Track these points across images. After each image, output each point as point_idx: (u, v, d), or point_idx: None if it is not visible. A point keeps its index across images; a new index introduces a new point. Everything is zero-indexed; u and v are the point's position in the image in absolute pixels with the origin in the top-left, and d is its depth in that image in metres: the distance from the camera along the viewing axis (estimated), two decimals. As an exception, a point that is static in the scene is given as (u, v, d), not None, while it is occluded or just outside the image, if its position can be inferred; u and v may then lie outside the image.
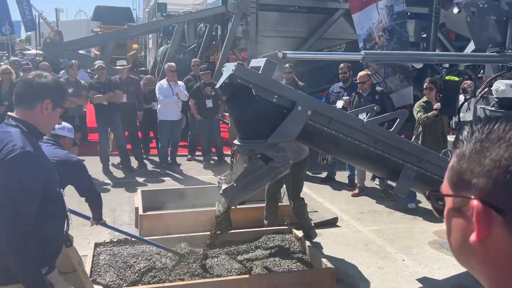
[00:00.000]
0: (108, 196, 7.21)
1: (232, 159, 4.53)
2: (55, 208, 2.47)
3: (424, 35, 12.50)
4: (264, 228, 5.29)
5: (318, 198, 7.28)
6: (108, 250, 4.60)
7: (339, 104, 7.79)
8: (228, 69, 4.09)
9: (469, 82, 7.66)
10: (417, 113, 6.63)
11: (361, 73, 7.20)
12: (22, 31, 39.50)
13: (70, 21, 59.53)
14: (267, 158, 4.17)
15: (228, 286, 4.00)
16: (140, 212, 5.67)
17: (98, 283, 4.02)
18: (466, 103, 5.87)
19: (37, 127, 2.38)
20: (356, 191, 7.41)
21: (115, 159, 8.99)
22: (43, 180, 2.30)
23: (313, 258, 4.62)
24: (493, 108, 5.14)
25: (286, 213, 5.49)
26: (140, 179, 8.19)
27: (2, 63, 10.25)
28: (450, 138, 6.80)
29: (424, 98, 6.79)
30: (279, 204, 5.86)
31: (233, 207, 4.45)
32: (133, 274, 4.08)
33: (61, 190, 2.60)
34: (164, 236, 4.93)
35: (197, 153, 9.60)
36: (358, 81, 7.14)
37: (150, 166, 9.12)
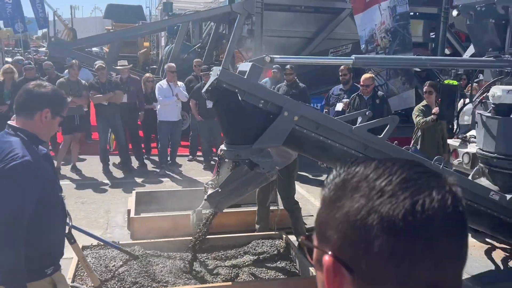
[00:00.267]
0: (105, 196, 7.22)
1: (218, 164, 4.49)
2: (56, 212, 2.57)
3: (433, 36, 12.35)
4: (253, 233, 5.23)
5: (315, 201, 7.20)
6: (94, 253, 4.58)
7: (339, 106, 7.71)
8: (215, 73, 4.04)
9: (475, 85, 7.53)
10: (416, 117, 6.52)
11: (365, 76, 7.08)
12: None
13: (85, 18, 60.01)
14: (253, 163, 4.13)
15: (210, 293, 3.95)
16: (132, 214, 5.65)
17: (78, 289, 4.01)
18: (465, 108, 5.75)
19: (37, 135, 2.47)
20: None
21: (116, 159, 9.00)
22: (41, 188, 2.38)
23: (301, 265, 4.55)
24: (489, 114, 5.01)
25: (273, 218, 5.44)
26: (139, 180, 8.19)
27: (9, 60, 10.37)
28: (454, 142, 6.68)
29: (424, 102, 6.67)
30: (272, 208, 5.79)
31: (219, 212, 4.39)
32: (113, 278, 4.05)
33: (61, 194, 2.69)
34: (152, 240, 4.90)
35: (198, 153, 9.58)
36: (361, 83, 7.03)
37: (150, 166, 9.12)
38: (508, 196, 4.73)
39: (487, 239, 5.74)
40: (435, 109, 6.17)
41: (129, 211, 5.82)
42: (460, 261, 0.71)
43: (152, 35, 20.82)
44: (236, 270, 4.50)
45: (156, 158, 9.26)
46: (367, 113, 4.74)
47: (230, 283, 4.11)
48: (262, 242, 5.02)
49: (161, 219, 5.67)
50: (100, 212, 6.42)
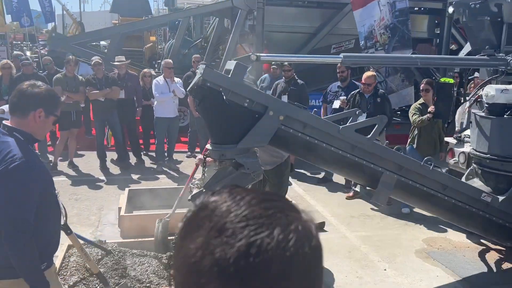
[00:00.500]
0: (99, 193, 7.21)
1: (204, 164, 4.44)
2: (51, 209, 2.62)
3: (438, 31, 12.17)
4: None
5: (311, 200, 7.14)
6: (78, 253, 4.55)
7: (336, 104, 7.61)
8: (200, 71, 3.99)
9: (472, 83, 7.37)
10: (412, 116, 6.42)
11: (367, 74, 6.94)
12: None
13: (95, 12, 60.02)
14: (238, 164, 4.08)
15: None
16: (122, 212, 5.63)
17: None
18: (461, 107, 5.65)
19: (32, 134, 2.51)
20: (351, 193, 7.21)
21: (115, 155, 8.98)
22: (40, 187, 2.46)
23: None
24: (483, 114, 4.91)
25: None
26: (135, 176, 8.17)
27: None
28: (452, 141, 6.58)
29: (421, 100, 6.57)
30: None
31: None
32: (96, 279, 4.02)
33: (56, 192, 2.73)
34: (139, 239, 4.88)
35: (197, 149, 9.53)
36: (363, 81, 6.91)
37: (148, 163, 9.10)
38: (501, 198, 4.65)
39: (482, 240, 5.66)
40: (431, 108, 6.07)
41: (119, 209, 5.79)
42: None
43: (159, 30, 20.75)
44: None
45: (155, 155, 9.22)
46: (357, 112, 4.67)
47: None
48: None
49: (151, 217, 5.62)
50: (92, 210, 6.40)
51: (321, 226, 6.02)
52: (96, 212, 6.34)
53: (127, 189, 6.54)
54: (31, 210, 2.39)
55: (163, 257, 4.56)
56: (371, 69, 7.70)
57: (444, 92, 5.55)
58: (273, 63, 9.36)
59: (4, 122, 2.53)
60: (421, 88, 6.54)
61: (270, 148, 4.79)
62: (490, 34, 5.18)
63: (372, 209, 6.71)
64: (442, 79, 5.74)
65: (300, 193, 7.48)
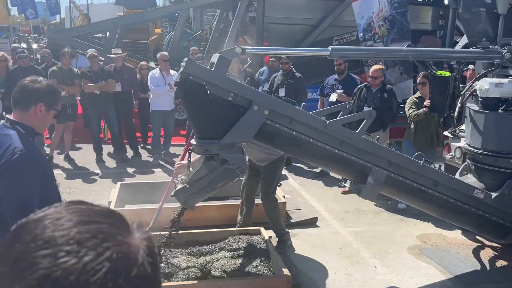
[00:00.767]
0: (93, 187, 7.17)
1: (189, 159, 4.37)
2: (52, 200, 2.61)
3: (442, 23, 11.99)
4: (230, 229, 5.11)
5: (306, 195, 7.05)
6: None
7: (333, 97, 7.50)
8: (182, 64, 3.90)
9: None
10: (408, 110, 6.31)
11: (375, 67, 6.81)
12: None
13: (102, 4, 59.87)
14: (222, 159, 3.99)
15: (174, 291, 3.85)
16: (112, 206, 5.57)
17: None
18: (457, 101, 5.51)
19: (33, 128, 2.64)
20: (347, 188, 7.10)
21: (112, 148, 8.94)
22: (42, 177, 2.55)
23: (275, 263, 4.43)
24: (477, 108, 4.79)
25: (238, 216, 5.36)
26: (131, 170, 8.12)
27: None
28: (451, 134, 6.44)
29: (417, 94, 6.45)
30: (257, 202, 5.64)
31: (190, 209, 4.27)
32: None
33: (57, 183, 2.81)
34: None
35: (195, 143, 9.44)
36: (370, 74, 6.79)
37: (145, 156, 9.04)
38: (494, 195, 4.54)
39: (478, 237, 5.55)
40: (427, 101, 5.95)
41: (109, 203, 5.74)
42: None
43: (164, 22, 20.65)
44: (209, 266, 4.40)
45: (151, 148, 9.17)
46: (347, 106, 4.56)
47: (194, 282, 4.01)
48: (239, 238, 4.90)
49: (140, 212, 5.59)
50: (84, 203, 6.36)
51: (313, 221, 5.94)
52: (88, 206, 6.30)
53: (119, 183, 6.48)
54: (35, 199, 2.48)
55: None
56: (379, 63, 7.56)
57: (440, 86, 5.42)
58: (271, 56, 9.28)
59: (7, 116, 2.67)
60: (417, 81, 6.42)
61: (264, 145, 4.70)
62: (487, 26, 5.05)
63: (367, 203, 6.61)
64: (439, 72, 5.58)
65: (295, 188, 7.39)
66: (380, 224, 6.01)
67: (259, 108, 3.92)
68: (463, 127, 5.73)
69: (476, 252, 5.26)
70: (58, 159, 8.39)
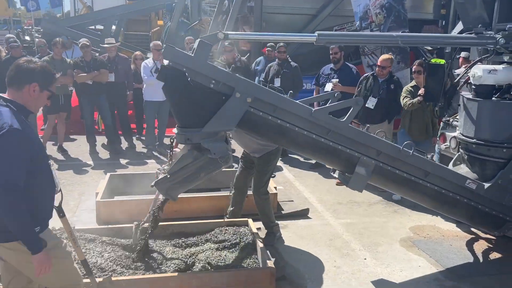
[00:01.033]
0: (84, 178, 7.08)
1: (171, 148, 4.26)
2: (43, 178, 2.78)
3: (444, 12, 11.79)
4: (217, 220, 5.00)
5: (299, 186, 6.93)
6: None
7: (328, 86, 7.35)
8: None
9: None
10: (403, 99, 6.15)
11: (384, 57, 6.67)
12: (64, 6, 39.34)
13: (106, -4, 59.65)
14: (204, 148, 3.88)
15: (153, 284, 3.75)
16: (99, 198, 5.49)
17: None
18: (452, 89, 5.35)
19: (25, 106, 2.73)
20: (341, 179, 6.97)
21: (106, 140, 8.85)
22: (29, 153, 2.61)
23: (262, 254, 4.31)
24: (470, 96, 4.64)
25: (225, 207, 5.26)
26: (124, 161, 8.03)
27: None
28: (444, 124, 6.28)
29: (413, 83, 6.29)
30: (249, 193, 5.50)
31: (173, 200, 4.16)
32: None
33: (50, 162, 2.95)
34: (109, 226, 4.73)
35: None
36: (378, 64, 6.64)
37: (140, 147, 8.94)
38: (486, 185, 4.41)
39: (472, 229, 5.42)
40: (421, 90, 5.80)
41: (96, 194, 5.65)
42: None
43: (166, 13, 20.51)
44: (193, 258, 4.29)
45: (144, 139, 9.07)
46: (335, 94, 4.41)
47: (175, 274, 3.90)
48: (226, 229, 4.79)
49: (128, 203, 5.49)
50: (73, 195, 6.28)
51: (304, 213, 5.83)
52: (76, 197, 6.22)
53: (109, 173, 6.39)
54: (19, 173, 2.55)
55: (132, 246, 4.42)
56: (389, 53, 7.38)
57: (435, 74, 5.27)
58: (268, 45, 9.12)
59: (1, 94, 2.74)
60: (413, 70, 6.27)
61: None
62: (482, 11, 4.88)
63: (361, 195, 6.48)
64: (433, 60, 5.43)
65: (289, 179, 7.27)
66: (373, 215, 5.88)
67: (241, 96, 3.80)
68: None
69: (470, 244, 5.13)
70: (52, 150, 8.30)
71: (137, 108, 9.42)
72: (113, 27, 20.28)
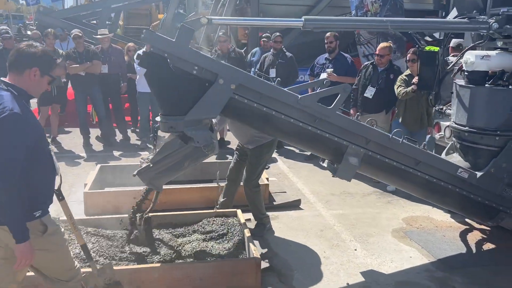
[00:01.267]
0: (76, 170, 7.02)
1: (154, 137, 4.17)
2: (44, 162, 2.77)
3: (444, 3, 11.64)
4: (206, 211, 4.91)
5: (293, 177, 6.83)
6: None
7: (323, 76, 7.23)
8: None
9: None
10: (397, 88, 6.04)
11: (382, 45, 6.52)
12: (66, 1, 39.20)
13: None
14: (187, 137, 3.78)
15: (135, 274, 3.68)
16: (87, 189, 5.42)
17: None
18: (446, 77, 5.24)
19: (26, 90, 2.71)
20: (336, 170, 6.87)
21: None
22: (28, 137, 2.59)
23: (248, 245, 4.23)
24: (463, 83, 4.53)
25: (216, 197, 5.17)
26: (117, 153, 7.96)
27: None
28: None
29: (407, 71, 6.17)
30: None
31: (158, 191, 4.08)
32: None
33: (49, 147, 2.90)
34: (94, 217, 4.66)
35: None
36: (376, 52, 6.52)
37: (134, 139, 8.87)
38: (479, 174, 4.30)
39: (467, 220, 5.32)
40: (415, 79, 5.68)
41: (85, 185, 5.58)
42: None
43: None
44: (180, 248, 4.22)
45: (138, 131, 9.00)
46: (324, 82, 4.30)
47: (158, 264, 3.83)
48: (214, 220, 4.71)
49: (116, 194, 5.42)
50: (64, 186, 6.16)
51: (296, 204, 5.74)
52: (67, 188, 6.14)
53: (99, 165, 6.31)
54: (16, 157, 2.53)
55: (117, 235, 4.35)
56: (389, 41, 7.26)
57: (428, 62, 5.15)
58: (263, 35, 9.01)
59: (1, 78, 2.74)
60: (407, 58, 6.15)
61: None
62: (476, -4, 4.75)
63: (355, 186, 6.40)
64: (427, 48, 5.32)
65: (283, 170, 7.18)
66: (366, 206, 5.79)
67: (225, 82, 3.70)
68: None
69: (463, 235, 5.03)
70: (45, 142, 8.23)
71: (131, 100, 9.33)
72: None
